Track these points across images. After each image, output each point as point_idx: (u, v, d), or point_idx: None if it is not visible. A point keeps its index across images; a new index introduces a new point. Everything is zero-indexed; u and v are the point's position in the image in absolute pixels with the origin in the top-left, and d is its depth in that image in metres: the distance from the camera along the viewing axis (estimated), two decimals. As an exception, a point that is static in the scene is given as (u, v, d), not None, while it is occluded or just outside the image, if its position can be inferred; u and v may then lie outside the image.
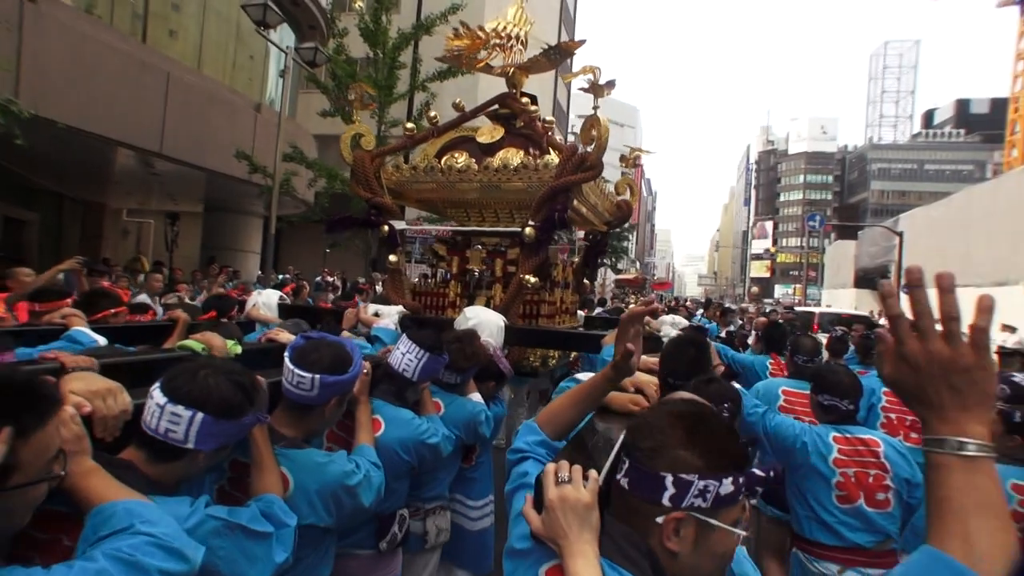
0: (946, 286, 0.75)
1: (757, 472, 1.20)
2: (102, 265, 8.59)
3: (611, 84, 3.31)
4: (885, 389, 3.23)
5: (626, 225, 42.95)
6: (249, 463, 1.55)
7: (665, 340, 2.73)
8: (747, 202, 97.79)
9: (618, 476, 1.03)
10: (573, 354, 3.95)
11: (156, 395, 1.30)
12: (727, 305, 12.52)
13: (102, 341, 2.28)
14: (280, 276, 12.37)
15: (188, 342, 2.06)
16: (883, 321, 3.51)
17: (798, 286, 59.63)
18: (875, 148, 76.45)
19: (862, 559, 2.37)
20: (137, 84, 9.54)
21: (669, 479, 0.94)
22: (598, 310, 8.99)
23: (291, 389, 1.69)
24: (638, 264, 67.30)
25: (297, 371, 1.67)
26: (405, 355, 2.23)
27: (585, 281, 4.44)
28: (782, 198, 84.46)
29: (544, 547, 1.03)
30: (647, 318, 3.10)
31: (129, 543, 1.03)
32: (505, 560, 1.12)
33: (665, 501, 0.95)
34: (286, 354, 1.74)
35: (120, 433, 1.30)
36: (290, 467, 1.63)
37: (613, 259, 37.47)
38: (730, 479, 0.95)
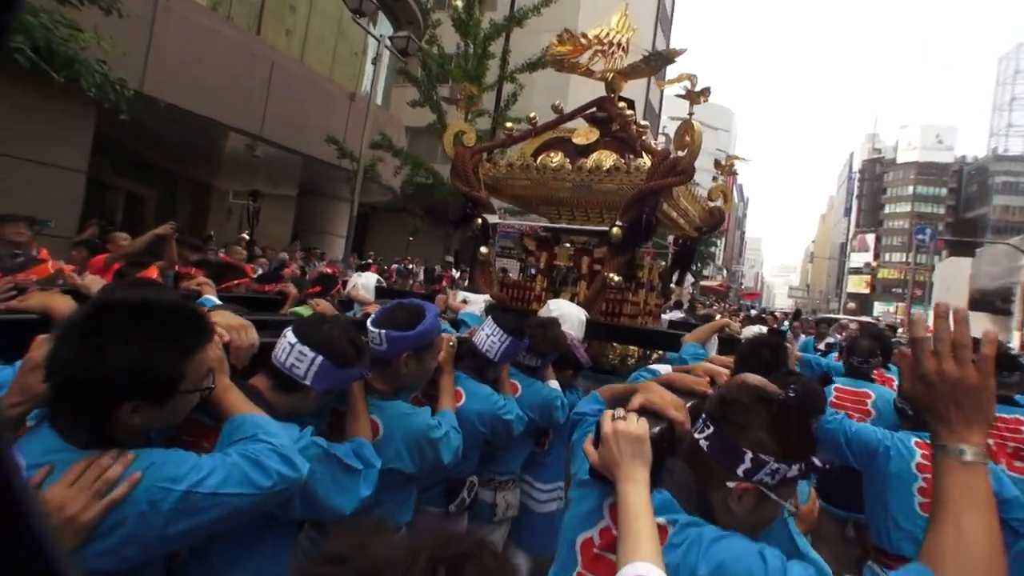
0: (960, 318, 0.93)
1: (816, 462, 1.26)
2: (196, 239, 9.14)
3: (707, 91, 3.34)
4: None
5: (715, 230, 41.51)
6: (346, 411, 1.76)
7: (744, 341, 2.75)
8: (847, 212, 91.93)
9: (697, 435, 1.16)
10: (654, 357, 3.95)
11: (289, 335, 1.54)
12: (824, 315, 11.89)
13: None
14: (362, 260, 12.71)
15: (298, 308, 2.38)
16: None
17: (901, 304, 55.35)
18: (999, 159, 69.73)
19: None
20: (245, 73, 10.14)
21: (749, 456, 1.08)
22: (676, 313, 8.90)
23: (372, 346, 1.86)
24: (725, 272, 65.01)
25: (372, 328, 1.87)
26: (489, 336, 2.36)
27: (672, 286, 4.45)
28: (887, 210, 78.83)
29: (606, 484, 1.16)
30: (729, 321, 3.16)
31: (255, 447, 1.25)
32: (572, 490, 1.29)
33: (739, 472, 1.09)
34: (371, 316, 1.95)
35: (248, 364, 1.54)
36: (380, 415, 1.83)
37: (699, 264, 36.36)
38: (798, 466, 1.10)
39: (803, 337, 8.58)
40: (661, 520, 1.07)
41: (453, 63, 12.08)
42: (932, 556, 0.88)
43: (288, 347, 1.53)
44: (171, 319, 1.17)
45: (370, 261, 11.77)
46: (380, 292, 3.70)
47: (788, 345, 2.87)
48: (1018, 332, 21.35)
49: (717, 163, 4.29)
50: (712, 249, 40.85)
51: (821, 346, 7.81)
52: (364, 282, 3.81)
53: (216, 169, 15.16)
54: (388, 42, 11.01)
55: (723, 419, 1.13)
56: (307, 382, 1.52)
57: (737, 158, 4.59)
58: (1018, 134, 77.50)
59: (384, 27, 13.86)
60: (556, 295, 3.49)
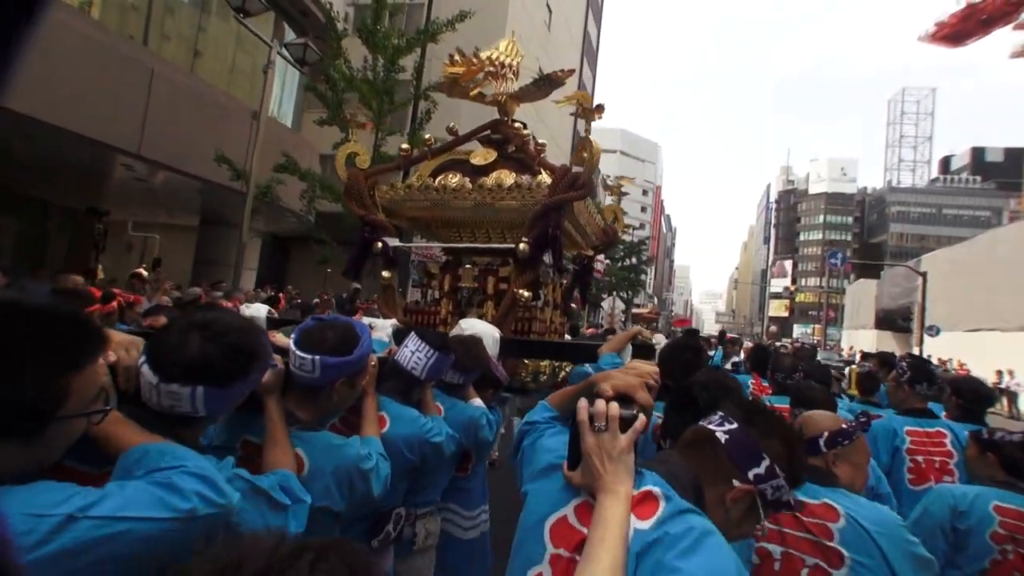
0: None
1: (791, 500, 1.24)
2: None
3: (600, 108, 3.47)
4: (908, 428, 3.15)
5: (644, 259, 42.29)
6: (261, 444, 1.60)
7: (657, 348, 2.88)
8: (767, 240, 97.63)
9: (714, 427, 1.16)
10: (562, 374, 4.02)
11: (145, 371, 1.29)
12: (731, 335, 13.05)
13: None
14: (266, 294, 11.38)
15: None
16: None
17: (817, 326, 58.08)
18: (894, 191, 77.09)
19: None
20: (117, 81, 8.78)
21: (766, 463, 1.11)
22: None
23: (296, 372, 1.73)
24: (655, 299, 66.26)
25: (299, 353, 1.71)
26: (414, 353, 2.28)
27: (572, 305, 4.53)
28: (802, 237, 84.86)
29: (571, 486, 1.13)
30: (643, 329, 3.09)
31: (162, 473, 1.05)
32: (529, 483, 1.23)
33: (751, 475, 1.11)
34: (291, 337, 1.77)
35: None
36: (305, 448, 1.67)
37: (630, 292, 36.61)
38: (791, 492, 1.15)
39: (714, 352, 9.52)
40: (657, 490, 1.06)
41: (360, 77, 11.01)
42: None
43: (150, 386, 1.24)
44: (48, 323, 0.96)
45: (271, 295, 10.39)
46: (271, 324, 3.41)
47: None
48: (917, 348, 22.35)
49: (607, 186, 4.68)
50: (643, 277, 41.39)
51: (728, 365, 8.40)
52: (253, 313, 3.48)
53: (102, 196, 13.46)
54: (283, 49, 9.89)
55: (751, 420, 1.16)
56: (198, 414, 1.28)
57: (626, 179, 5.28)
58: (907, 168, 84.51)
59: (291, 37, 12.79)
60: (463, 317, 3.45)
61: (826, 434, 1.87)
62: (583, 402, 1.14)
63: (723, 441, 1.12)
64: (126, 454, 1.11)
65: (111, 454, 1.12)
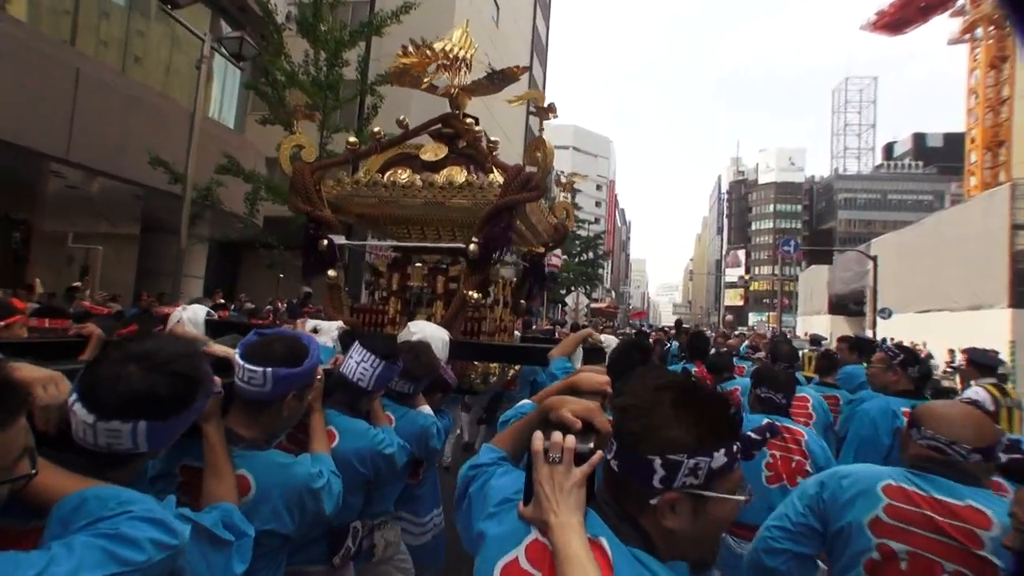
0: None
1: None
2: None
3: (552, 107, 3.46)
4: (905, 408, 3.17)
5: (601, 253, 42.59)
6: (200, 468, 1.52)
7: (607, 350, 2.91)
8: (720, 231, 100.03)
9: (608, 457, 1.06)
10: (511, 372, 4.05)
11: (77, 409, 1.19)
12: (686, 326, 13.62)
13: None
14: (212, 302, 10.94)
15: None
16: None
17: (772, 313, 59.66)
18: (840, 179, 79.98)
19: None
20: (38, 81, 8.20)
21: (658, 462, 0.97)
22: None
23: (243, 386, 1.67)
24: (613, 293, 67.01)
25: (248, 366, 1.65)
26: (360, 364, 2.23)
27: (522, 301, 4.55)
28: (753, 227, 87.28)
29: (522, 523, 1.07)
30: (592, 332, 3.12)
31: (107, 523, 0.98)
32: (480, 522, 1.16)
33: (656, 483, 0.97)
34: (236, 351, 1.71)
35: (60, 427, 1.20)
36: (250, 469, 1.61)
37: (588, 287, 36.89)
38: (722, 451, 0.98)
39: (669, 344, 9.99)
40: (602, 540, 0.98)
41: (302, 71, 10.65)
42: None
43: (85, 425, 1.14)
44: None
45: (218, 302, 9.98)
46: (212, 326, 3.27)
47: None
48: (870, 331, 23.06)
49: (558, 182, 4.58)
50: (600, 272, 41.78)
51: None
52: (191, 316, 3.30)
53: (35, 206, 12.70)
54: (216, 44, 9.44)
55: (623, 431, 1.03)
56: (139, 451, 1.20)
57: (578, 176, 4.91)
58: (852, 156, 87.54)
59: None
60: (411, 317, 3.44)
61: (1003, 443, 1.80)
62: (538, 434, 1.08)
63: (616, 469, 1.03)
64: (60, 504, 1.02)
65: (39, 506, 1.03)
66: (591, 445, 1.07)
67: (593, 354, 2.82)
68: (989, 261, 21.46)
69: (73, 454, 1.17)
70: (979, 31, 41.02)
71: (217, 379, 1.51)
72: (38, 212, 13.63)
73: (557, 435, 1.06)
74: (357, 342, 2.30)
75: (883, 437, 3.18)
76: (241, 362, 1.66)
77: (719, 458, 0.96)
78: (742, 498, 0.99)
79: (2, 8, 8.94)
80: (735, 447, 0.99)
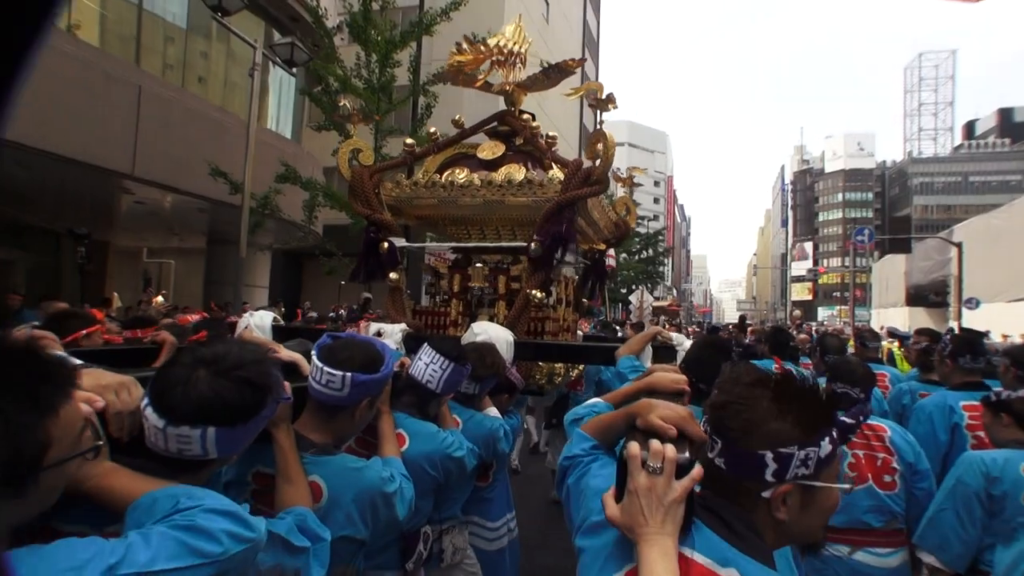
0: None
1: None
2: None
3: (611, 98, 3.38)
4: (964, 403, 3.08)
5: (661, 250, 41.76)
6: (274, 474, 1.52)
7: (679, 349, 2.85)
8: (784, 223, 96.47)
9: (711, 455, 1.04)
10: (575, 373, 4.02)
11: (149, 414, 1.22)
12: (749, 323, 13.48)
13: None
14: (278, 311, 11.12)
15: None
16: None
17: (843, 307, 56.70)
18: (915, 162, 75.36)
19: (872, 539, 2.48)
20: (102, 100, 8.52)
21: (769, 456, 0.97)
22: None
23: (320, 389, 1.65)
24: (675, 291, 65.67)
25: (327, 369, 1.64)
26: (429, 365, 2.21)
27: (584, 300, 4.49)
28: (821, 218, 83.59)
29: (624, 545, 1.02)
30: (662, 330, 3.02)
31: (183, 515, 0.99)
32: (580, 538, 1.13)
33: (769, 477, 0.98)
34: (314, 353, 1.71)
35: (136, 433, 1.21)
36: (323, 474, 1.60)
37: (649, 285, 36.10)
38: (827, 440, 0.99)
39: None
40: (727, 572, 0.94)
41: (354, 75, 10.66)
42: None
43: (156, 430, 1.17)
44: (9, 366, 0.88)
45: (283, 310, 10.12)
46: (278, 332, 3.33)
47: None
48: (955, 323, 21.40)
49: (618, 177, 4.33)
50: (661, 269, 40.83)
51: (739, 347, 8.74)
52: (258, 321, 3.37)
53: (109, 224, 13.32)
54: (266, 50, 9.59)
55: (726, 428, 1.02)
56: (210, 457, 1.20)
57: (638, 170, 4.75)
58: (928, 137, 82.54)
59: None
60: (473, 318, 3.44)
61: None
62: (634, 443, 1.03)
63: (724, 467, 1.01)
64: (133, 506, 1.04)
65: (114, 509, 1.06)
66: (688, 454, 1.02)
67: (663, 352, 2.77)
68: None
69: (147, 459, 1.18)
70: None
71: (287, 384, 1.48)
72: (114, 229, 14.32)
73: (656, 443, 1.01)
74: (426, 344, 2.30)
75: (940, 434, 3.07)
76: (320, 364, 1.65)
77: (825, 447, 0.98)
78: (846, 486, 1.01)
79: (74, 33, 9.35)
80: (836, 434, 1.01)
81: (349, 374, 1.62)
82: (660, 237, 40.35)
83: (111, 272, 15.08)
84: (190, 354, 1.25)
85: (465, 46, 3.58)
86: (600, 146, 3.27)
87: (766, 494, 0.97)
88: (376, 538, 1.77)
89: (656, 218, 56.31)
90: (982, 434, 3.06)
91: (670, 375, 1.57)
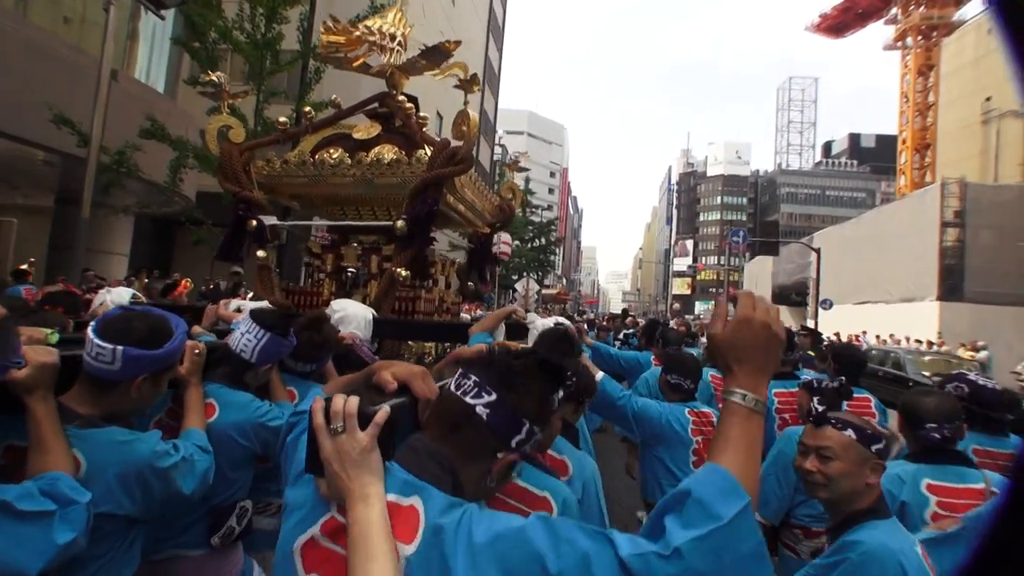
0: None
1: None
2: None
3: (475, 79, 3.49)
4: (776, 390, 3.52)
5: (553, 240, 42.54)
6: (24, 446, 1.45)
7: (531, 328, 2.94)
8: (669, 221, 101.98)
9: (472, 400, 1.06)
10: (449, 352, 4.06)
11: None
12: (632, 315, 13.79)
13: None
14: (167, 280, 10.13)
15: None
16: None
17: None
18: (784, 173, 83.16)
19: None
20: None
21: (526, 427, 1.06)
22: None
23: (90, 361, 1.59)
24: (564, 280, 67.47)
25: (97, 341, 1.57)
26: (244, 335, 2.16)
27: (470, 284, 4.58)
28: (702, 218, 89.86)
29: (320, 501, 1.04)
30: (518, 308, 3.23)
31: None
32: (287, 489, 1.15)
33: (513, 443, 1.05)
34: (91, 324, 1.64)
35: None
36: (82, 447, 1.52)
37: (539, 273, 36.74)
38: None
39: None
40: (411, 502, 0.97)
41: (236, 28, 9.74)
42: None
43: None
44: None
45: (170, 281, 9.09)
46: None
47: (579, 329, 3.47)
48: (812, 321, 23.78)
49: (505, 163, 4.74)
50: (552, 258, 41.65)
51: (620, 336, 9.29)
52: (115, 299, 3.22)
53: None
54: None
55: (509, 386, 1.06)
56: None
57: (523, 155, 5.04)
58: (795, 152, 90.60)
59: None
60: (348, 297, 3.39)
61: None
62: (318, 404, 1.03)
63: (485, 418, 1.04)
64: None
65: None
66: (379, 405, 1.03)
67: (516, 331, 2.82)
68: (922, 256, 22.48)
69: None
70: (909, 40, 44.07)
71: (29, 352, 1.41)
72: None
73: (337, 401, 1.02)
74: (246, 314, 2.27)
75: None
76: (91, 335, 1.58)
77: (537, 434, 1.12)
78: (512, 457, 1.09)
79: None
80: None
81: (120, 347, 1.55)
82: (553, 227, 41.18)
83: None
84: None
85: (331, 24, 3.55)
86: (464, 127, 3.35)
87: (500, 455, 1.05)
88: (158, 515, 1.70)
89: (550, 208, 57.42)
90: (787, 415, 3.68)
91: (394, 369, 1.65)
